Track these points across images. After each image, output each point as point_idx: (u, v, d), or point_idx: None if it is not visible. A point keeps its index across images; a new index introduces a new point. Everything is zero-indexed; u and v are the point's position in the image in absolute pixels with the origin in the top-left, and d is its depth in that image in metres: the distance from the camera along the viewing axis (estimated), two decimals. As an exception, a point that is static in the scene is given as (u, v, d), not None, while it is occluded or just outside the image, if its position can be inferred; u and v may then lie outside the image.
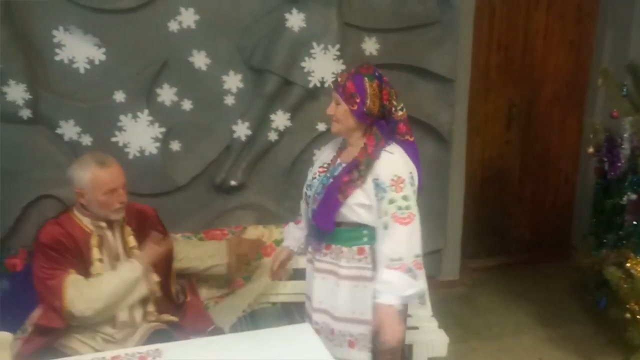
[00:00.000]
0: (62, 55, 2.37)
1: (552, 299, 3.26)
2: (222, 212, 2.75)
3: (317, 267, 1.81)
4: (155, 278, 1.97)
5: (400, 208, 1.65)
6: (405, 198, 1.66)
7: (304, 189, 1.88)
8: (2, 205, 2.43)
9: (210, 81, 2.59)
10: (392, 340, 1.66)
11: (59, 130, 2.44)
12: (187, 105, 2.58)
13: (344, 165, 1.74)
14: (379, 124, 1.74)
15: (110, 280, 1.86)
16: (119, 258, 1.94)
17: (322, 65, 2.68)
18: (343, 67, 2.72)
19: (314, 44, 2.64)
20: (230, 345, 1.63)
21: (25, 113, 2.37)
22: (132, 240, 1.99)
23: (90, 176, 1.86)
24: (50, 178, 2.46)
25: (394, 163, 1.70)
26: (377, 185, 1.67)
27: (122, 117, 2.49)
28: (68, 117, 2.43)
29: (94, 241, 1.90)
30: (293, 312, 2.30)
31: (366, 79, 1.66)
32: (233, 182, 2.71)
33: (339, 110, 1.69)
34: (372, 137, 1.71)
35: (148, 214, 2.13)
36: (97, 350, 1.85)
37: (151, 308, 1.97)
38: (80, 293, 1.81)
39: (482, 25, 3.34)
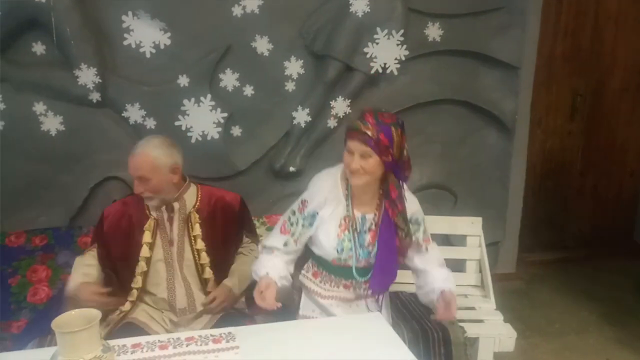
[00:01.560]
0: (130, 40, 2.41)
1: (618, 297, 3.14)
2: (279, 198, 2.75)
3: (347, 298, 1.84)
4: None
5: (424, 232, 1.84)
6: (424, 220, 1.85)
7: (297, 235, 1.77)
8: (71, 185, 2.51)
9: (272, 67, 2.59)
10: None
11: (125, 114, 2.49)
12: (248, 90, 2.58)
13: (369, 217, 1.75)
14: (395, 168, 1.69)
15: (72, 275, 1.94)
16: (173, 244, 1.93)
17: (385, 51, 2.64)
18: (406, 52, 2.66)
19: (378, 29, 2.59)
20: (303, 330, 1.63)
21: (95, 96, 2.42)
22: (197, 228, 1.94)
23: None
24: (116, 160, 2.51)
25: (414, 198, 1.83)
26: (413, 224, 1.79)
27: (185, 102, 2.51)
28: (134, 101, 2.47)
29: (148, 225, 1.91)
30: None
31: (393, 128, 1.63)
32: (292, 168, 2.71)
33: (370, 163, 1.62)
34: (393, 187, 1.70)
35: (227, 202, 2.05)
36: (167, 330, 1.90)
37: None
38: (74, 270, 1.93)
39: (549, 11, 3.20)
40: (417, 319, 2.12)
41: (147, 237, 1.90)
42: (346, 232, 1.73)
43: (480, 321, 2.21)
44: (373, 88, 2.73)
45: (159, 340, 1.55)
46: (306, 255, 1.89)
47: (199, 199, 1.99)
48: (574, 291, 3.22)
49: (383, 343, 1.56)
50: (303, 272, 1.90)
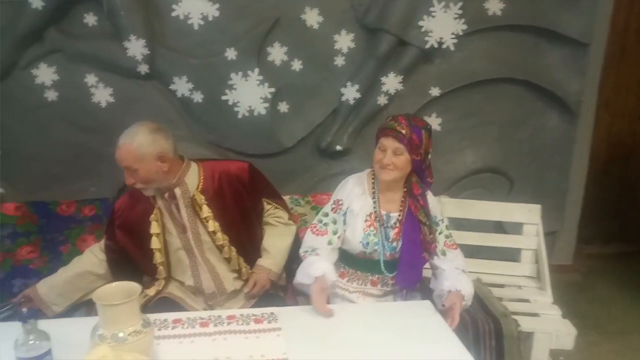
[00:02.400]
0: (179, 11, 2.37)
1: (687, 297, 2.90)
2: (325, 177, 2.68)
3: (375, 294, 1.85)
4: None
5: (448, 237, 1.86)
6: (448, 227, 1.89)
7: (332, 233, 1.82)
8: (116, 162, 2.50)
9: (321, 40, 2.49)
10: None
11: (172, 87, 2.47)
12: (296, 65, 2.50)
13: (393, 215, 1.81)
14: (419, 169, 1.80)
15: (68, 267, 1.92)
16: (186, 230, 1.83)
17: (442, 25, 2.49)
18: (464, 27, 2.51)
19: (434, 1, 2.45)
20: (348, 315, 1.57)
21: (143, 68, 2.41)
22: (205, 210, 1.82)
23: None
24: (163, 134, 2.51)
25: (435, 199, 1.89)
26: (434, 223, 1.84)
27: (232, 75, 2.46)
28: (181, 74, 2.44)
29: (153, 215, 1.83)
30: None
31: (423, 131, 1.75)
32: (338, 147, 2.62)
33: (401, 160, 1.73)
34: (416, 185, 1.81)
35: (232, 173, 1.90)
36: (203, 309, 1.88)
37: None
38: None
39: (625, -20, 2.93)
40: (466, 308, 2.01)
41: (154, 227, 1.83)
42: (371, 227, 1.80)
43: (536, 315, 2.08)
44: (427, 64, 2.60)
45: (200, 317, 1.53)
46: None
47: (202, 178, 1.86)
48: (637, 287, 3.01)
49: (430, 331, 1.49)
50: None
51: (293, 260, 1.98)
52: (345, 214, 1.82)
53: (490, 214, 2.47)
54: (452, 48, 2.54)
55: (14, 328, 1.22)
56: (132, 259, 1.90)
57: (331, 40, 2.50)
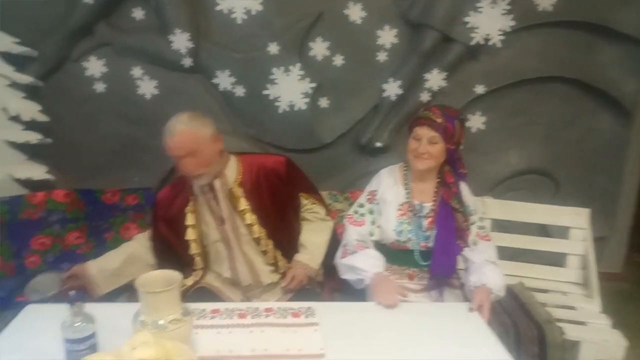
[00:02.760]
0: (223, 5, 2.40)
1: None
2: (364, 174, 2.62)
3: (412, 288, 1.82)
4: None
5: (481, 228, 1.85)
6: (482, 219, 1.90)
7: (368, 224, 1.87)
8: (162, 149, 2.56)
9: (364, 36, 2.47)
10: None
11: (215, 80, 2.50)
12: (338, 60, 2.49)
13: (426, 205, 1.82)
14: (452, 158, 1.83)
15: (117, 251, 1.96)
16: (224, 222, 1.85)
17: (488, 21, 2.43)
18: (512, 23, 2.43)
19: (482, -4, 2.38)
20: (386, 313, 1.54)
21: (187, 62, 2.44)
22: (243, 203, 1.84)
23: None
24: (205, 127, 2.54)
25: (468, 189, 1.89)
26: (467, 212, 1.84)
27: (274, 70, 2.47)
28: (224, 67, 2.47)
29: (189, 207, 1.85)
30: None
31: (456, 121, 1.78)
32: (378, 144, 2.59)
33: (436, 149, 1.76)
34: (449, 174, 1.83)
35: (270, 168, 1.91)
36: (240, 300, 1.88)
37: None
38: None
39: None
40: (508, 312, 1.95)
41: (189, 219, 1.85)
42: (404, 216, 1.81)
43: (582, 323, 1.98)
44: (472, 61, 2.54)
45: (238, 309, 1.54)
46: None
47: (241, 171, 1.88)
48: (694, 300, 2.84)
49: (471, 334, 1.44)
50: None
51: (330, 256, 1.97)
52: (379, 203, 1.86)
53: (535, 217, 2.39)
54: (498, 45, 2.47)
55: (62, 310, 1.26)
56: (173, 249, 1.93)
57: (374, 36, 2.47)
